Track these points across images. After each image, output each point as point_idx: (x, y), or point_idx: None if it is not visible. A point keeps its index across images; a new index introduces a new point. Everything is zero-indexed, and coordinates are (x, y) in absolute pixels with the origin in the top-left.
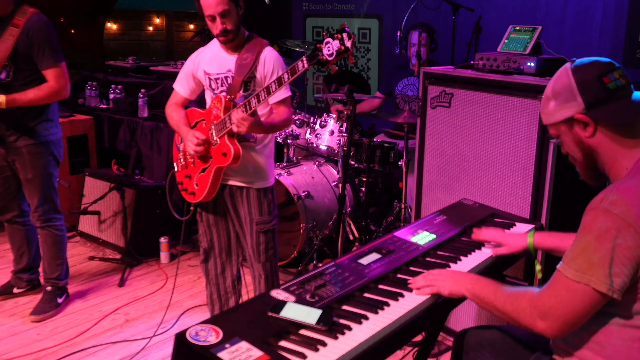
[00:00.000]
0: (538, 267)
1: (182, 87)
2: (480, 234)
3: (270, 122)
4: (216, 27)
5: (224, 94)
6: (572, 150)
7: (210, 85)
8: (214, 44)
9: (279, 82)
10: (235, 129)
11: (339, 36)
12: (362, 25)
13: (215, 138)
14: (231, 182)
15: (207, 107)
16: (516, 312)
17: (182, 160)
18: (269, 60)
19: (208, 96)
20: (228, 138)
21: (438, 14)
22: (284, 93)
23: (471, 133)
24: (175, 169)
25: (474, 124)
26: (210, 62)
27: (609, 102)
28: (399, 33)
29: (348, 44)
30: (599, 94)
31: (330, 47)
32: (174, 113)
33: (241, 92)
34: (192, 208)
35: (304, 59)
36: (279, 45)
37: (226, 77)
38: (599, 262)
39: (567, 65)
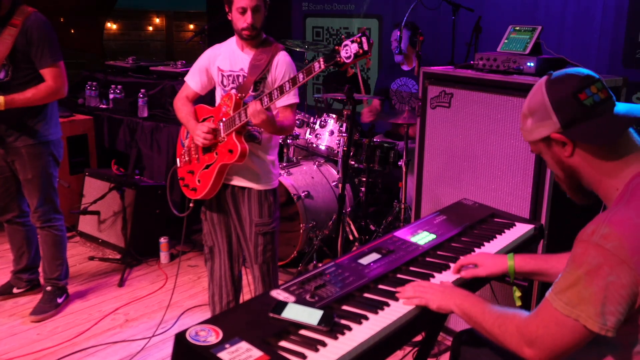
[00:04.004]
0: (517, 293)
1: (193, 81)
2: (456, 265)
3: (280, 123)
4: (244, 20)
5: (234, 91)
6: (553, 169)
7: (222, 82)
8: (230, 42)
9: (294, 82)
10: (253, 120)
11: (358, 39)
12: (362, 25)
13: (222, 135)
14: (234, 182)
15: (217, 104)
16: (503, 335)
17: (186, 156)
18: (282, 64)
19: (218, 94)
20: (236, 135)
21: (438, 14)
22: (292, 98)
23: (471, 133)
24: (178, 165)
25: (473, 124)
26: (225, 59)
27: (586, 119)
28: (398, 33)
29: (366, 47)
30: (575, 112)
31: (348, 50)
32: (183, 107)
33: (251, 92)
34: (191, 205)
35: (321, 60)
36: (285, 47)
37: (238, 76)
38: (589, 298)
39: (543, 80)
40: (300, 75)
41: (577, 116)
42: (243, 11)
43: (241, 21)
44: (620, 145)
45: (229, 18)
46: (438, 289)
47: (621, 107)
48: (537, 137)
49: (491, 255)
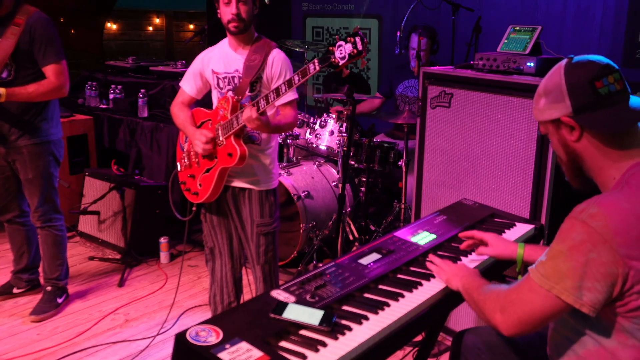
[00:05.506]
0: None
1: (189, 86)
2: (468, 232)
3: (277, 123)
4: (230, 11)
5: (230, 94)
6: (557, 151)
7: (217, 84)
8: (223, 44)
9: (289, 84)
10: (249, 126)
11: (352, 39)
12: (362, 25)
13: (221, 138)
14: (234, 184)
15: (214, 107)
16: (484, 302)
17: (185, 160)
18: (277, 62)
19: (215, 96)
20: (234, 139)
21: (438, 14)
22: (291, 95)
23: (471, 133)
24: (178, 169)
25: (473, 124)
26: (219, 61)
27: (599, 108)
28: (398, 33)
29: (360, 47)
30: (589, 99)
31: (342, 50)
32: (180, 112)
33: (247, 92)
34: (194, 208)
35: (316, 61)
36: (279, 45)
37: (233, 77)
38: (567, 272)
39: (563, 62)
40: (296, 77)
41: (590, 103)
42: (228, 2)
43: (226, 12)
44: (626, 137)
45: (219, 17)
46: (454, 268)
47: (636, 101)
48: (547, 117)
49: (503, 238)
